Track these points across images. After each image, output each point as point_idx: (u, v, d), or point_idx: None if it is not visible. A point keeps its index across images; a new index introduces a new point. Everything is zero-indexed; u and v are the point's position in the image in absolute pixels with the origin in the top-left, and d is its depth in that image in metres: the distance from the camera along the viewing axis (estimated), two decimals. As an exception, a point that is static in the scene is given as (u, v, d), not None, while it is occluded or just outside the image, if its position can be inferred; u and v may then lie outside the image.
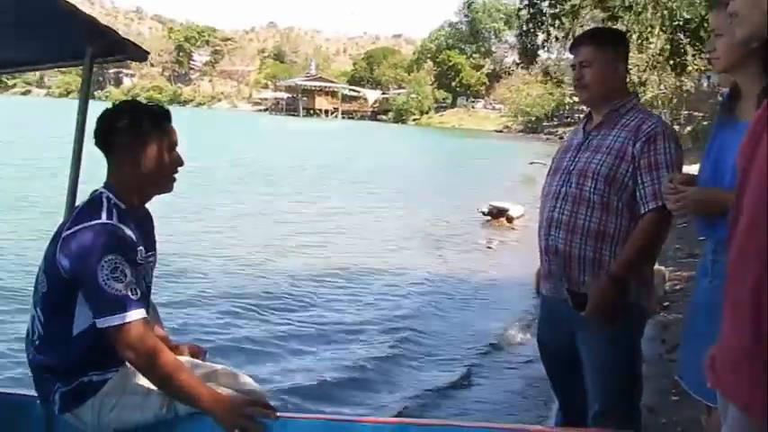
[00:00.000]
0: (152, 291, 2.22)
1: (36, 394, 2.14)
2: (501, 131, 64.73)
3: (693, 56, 10.48)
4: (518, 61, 12.71)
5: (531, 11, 10.14)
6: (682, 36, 9.91)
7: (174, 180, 2.16)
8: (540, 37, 10.67)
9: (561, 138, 52.17)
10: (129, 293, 1.90)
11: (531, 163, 27.29)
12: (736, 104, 2.07)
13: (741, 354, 1.23)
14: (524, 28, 10.73)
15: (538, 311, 6.58)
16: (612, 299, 2.35)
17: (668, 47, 10.38)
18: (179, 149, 2.16)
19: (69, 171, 2.53)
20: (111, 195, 2.03)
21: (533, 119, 62.67)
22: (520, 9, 10.32)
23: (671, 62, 10.48)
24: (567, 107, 61.21)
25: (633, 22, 10.17)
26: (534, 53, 11.43)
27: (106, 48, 2.54)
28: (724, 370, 1.31)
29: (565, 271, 2.48)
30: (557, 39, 10.49)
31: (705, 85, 44.09)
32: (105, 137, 2.06)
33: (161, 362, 1.91)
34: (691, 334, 2.14)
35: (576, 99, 59.08)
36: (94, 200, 2.03)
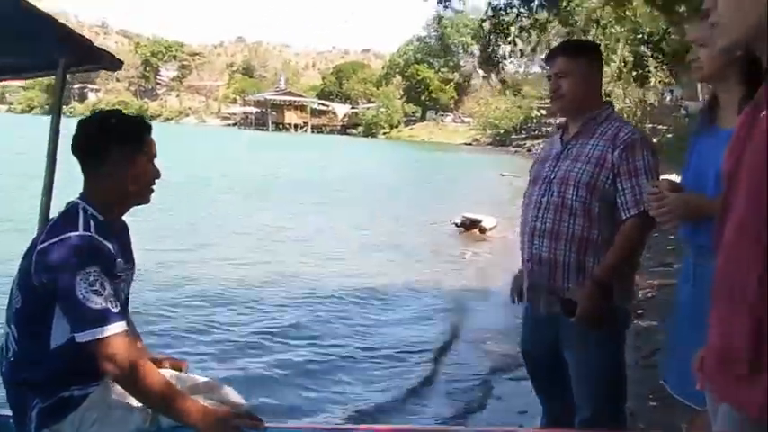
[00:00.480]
0: (129, 303, 2.17)
1: (8, 414, 2.07)
2: (470, 144, 65.29)
3: (656, 68, 10.77)
4: (478, 69, 13.00)
5: (494, 21, 10.28)
6: (645, 48, 10.18)
7: (152, 192, 2.13)
8: (506, 48, 10.85)
9: (530, 150, 53.17)
10: (110, 306, 1.85)
11: (503, 175, 27.59)
12: (715, 114, 2.12)
13: (734, 353, 1.25)
14: (487, 39, 10.88)
15: (513, 319, 6.69)
16: (599, 303, 2.39)
17: (632, 58, 10.65)
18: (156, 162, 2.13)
19: (43, 183, 2.48)
20: (87, 207, 1.98)
21: (502, 132, 63.38)
22: (483, 20, 10.45)
23: (634, 74, 10.76)
24: (535, 120, 62.13)
25: (599, 34, 10.41)
26: (496, 64, 11.61)
27: (80, 57, 2.51)
28: (715, 370, 1.32)
29: (549, 279, 2.51)
30: (521, 53, 10.67)
31: (668, 98, 45.16)
32: (83, 147, 2.02)
33: (144, 375, 1.87)
34: (674, 339, 2.17)
35: (543, 112, 60.45)
36: (70, 211, 1.98)
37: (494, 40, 10.71)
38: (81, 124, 2.04)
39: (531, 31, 10.26)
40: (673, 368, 2.14)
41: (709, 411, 1.47)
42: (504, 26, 10.13)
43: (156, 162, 2.11)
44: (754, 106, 1.33)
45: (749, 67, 1.94)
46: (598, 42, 10.91)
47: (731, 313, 1.27)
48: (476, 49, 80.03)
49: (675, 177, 2.49)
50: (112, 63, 2.67)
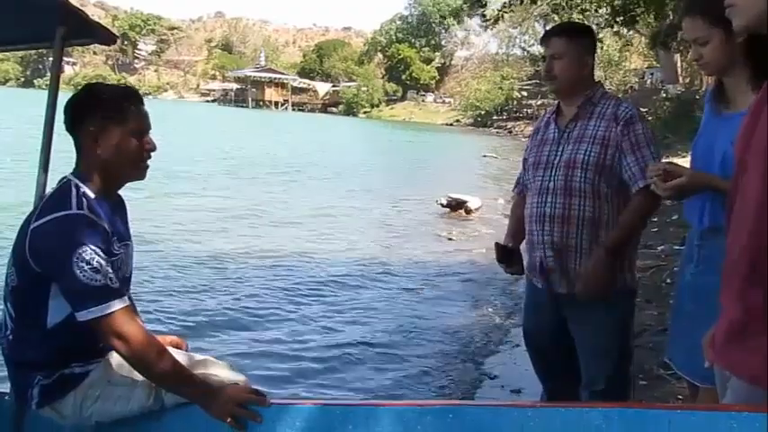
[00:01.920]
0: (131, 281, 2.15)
1: (4, 391, 2.07)
2: (451, 125, 65.22)
3: (643, 12, 10.71)
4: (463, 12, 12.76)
5: None
6: None
7: (147, 166, 2.06)
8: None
9: (510, 132, 53.39)
10: (109, 282, 1.83)
11: (484, 156, 27.71)
12: (721, 97, 2.15)
13: (750, 326, 1.28)
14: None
15: (503, 295, 6.76)
16: (607, 272, 2.44)
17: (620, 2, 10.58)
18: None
19: (39, 158, 2.43)
20: (79, 183, 1.94)
21: (483, 113, 63.37)
22: None
23: (621, 18, 10.71)
24: (516, 102, 62.25)
25: None
26: (484, 4, 11.51)
27: (76, 30, 2.45)
28: (727, 345, 1.36)
29: (561, 262, 2.54)
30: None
31: (648, 82, 45.50)
32: (74, 120, 1.97)
33: (149, 350, 1.85)
34: (678, 318, 2.23)
35: (524, 94, 60.41)
36: (62, 188, 1.94)
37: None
38: (69, 98, 2.00)
39: None
40: (678, 347, 2.19)
41: (717, 387, 1.51)
42: None
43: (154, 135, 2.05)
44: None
45: (751, 45, 1.96)
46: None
47: (749, 288, 1.30)
48: (457, 29, 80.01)
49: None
50: (107, 37, 2.60)
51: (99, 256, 1.83)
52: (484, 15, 12.44)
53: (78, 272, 1.79)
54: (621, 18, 10.73)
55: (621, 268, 2.54)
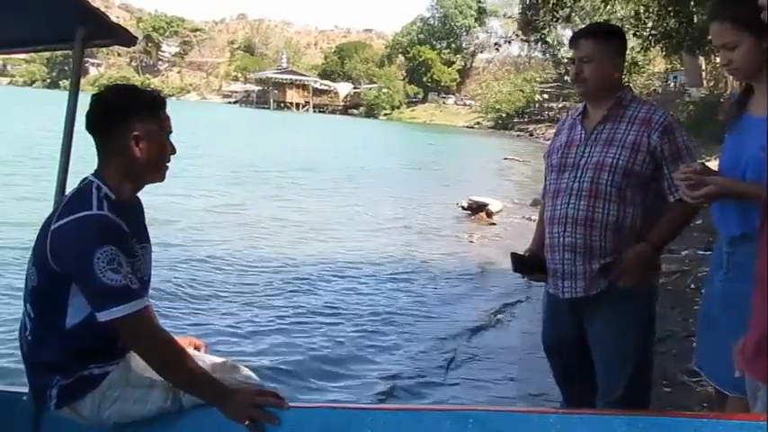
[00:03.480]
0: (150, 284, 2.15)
1: (23, 391, 2.07)
2: (472, 127, 64.98)
3: (685, 40, 10.75)
4: (519, 34, 12.86)
5: None
6: (674, 22, 10.13)
7: (167, 168, 2.08)
8: (546, 17, 10.82)
9: (531, 134, 53.11)
10: (129, 283, 1.83)
11: (505, 159, 27.58)
12: (748, 101, 2.13)
13: None
14: (528, 2, 10.85)
15: (526, 301, 6.73)
16: (647, 265, 2.45)
17: (663, 30, 10.59)
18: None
19: (59, 159, 2.44)
20: (100, 184, 1.96)
21: (504, 115, 63.06)
22: None
23: (664, 43, 10.78)
24: (537, 104, 61.90)
25: (634, 6, 10.48)
26: (537, 29, 11.60)
27: (96, 31, 2.46)
28: (758, 355, 1.32)
29: (584, 264, 2.50)
30: (557, 19, 10.60)
31: (672, 85, 44.96)
32: (97, 122, 1.98)
33: (168, 351, 1.87)
34: (707, 326, 2.20)
35: (545, 96, 60.04)
36: (83, 190, 1.96)
37: (536, 3, 10.63)
38: (94, 99, 2.01)
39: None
40: (707, 355, 2.16)
41: (748, 397, 1.48)
42: None
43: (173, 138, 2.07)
44: None
45: None
46: (634, 12, 10.98)
47: None
48: (479, 31, 79.87)
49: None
50: (127, 39, 2.63)
51: (119, 256, 1.84)
52: (545, 41, 12.58)
53: (99, 272, 1.80)
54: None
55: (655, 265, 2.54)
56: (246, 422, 1.84)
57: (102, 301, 1.83)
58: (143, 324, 1.84)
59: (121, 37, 2.57)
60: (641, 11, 10.77)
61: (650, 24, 10.82)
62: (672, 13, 10.01)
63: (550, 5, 10.17)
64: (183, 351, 1.93)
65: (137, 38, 2.80)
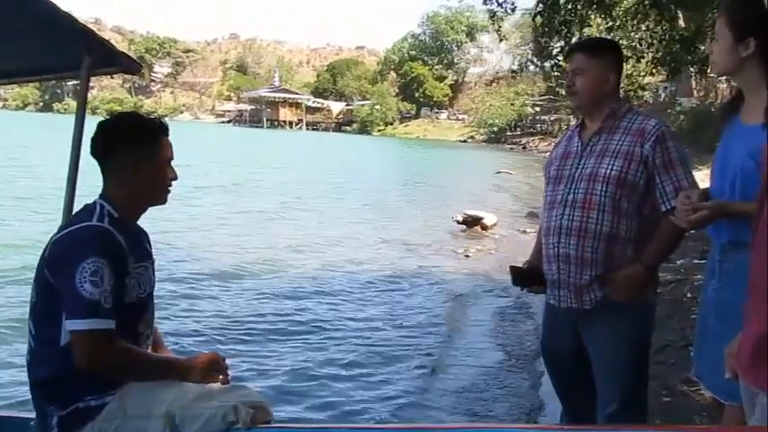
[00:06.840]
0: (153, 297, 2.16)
1: (31, 416, 2.07)
2: (465, 141, 65.20)
3: (688, 64, 11.06)
4: (534, 61, 13.50)
5: (545, 16, 10.39)
6: (678, 47, 10.37)
7: (168, 192, 2.15)
8: (558, 43, 11.12)
9: (524, 147, 53.24)
10: (102, 301, 1.84)
11: (498, 172, 27.67)
12: (738, 107, 2.16)
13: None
14: (541, 31, 11.07)
15: (523, 313, 6.74)
16: (641, 285, 2.48)
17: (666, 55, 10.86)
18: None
19: (65, 184, 2.49)
20: (104, 204, 2.02)
21: (496, 129, 63.33)
22: (535, 15, 10.58)
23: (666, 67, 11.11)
24: (529, 117, 62.15)
25: (638, 30, 10.80)
26: (553, 56, 11.97)
27: (102, 59, 2.52)
28: (752, 359, 1.35)
29: (576, 276, 2.52)
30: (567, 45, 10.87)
31: (663, 96, 45.21)
32: (102, 148, 2.05)
33: (123, 366, 1.93)
34: (703, 334, 2.21)
35: (537, 110, 60.15)
36: (88, 207, 2.03)
37: (548, 31, 10.86)
38: (99, 126, 2.07)
39: (572, 27, 10.46)
40: (704, 363, 2.18)
41: (744, 405, 1.50)
42: (554, 22, 10.32)
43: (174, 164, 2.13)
44: None
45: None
46: (636, 36, 11.34)
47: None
48: (470, 46, 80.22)
49: None
50: (132, 65, 2.68)
51: (105, 270, 1.86)
52: (560, 66, 12.90)
53: (78, 281, 1.82)
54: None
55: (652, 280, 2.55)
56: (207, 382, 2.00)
57: (70, 312, 1.84)
58: (97, 349, 1.84)
59: (127, 64, 2.62)
60: (645, 37, 11.08)
61: (653, 50, 11.09)
62: (676, 39, 10.28)
63: (563, 33, 10.41)
64: (134, 356, 1.97)
65: (142, 65, 2.86)
